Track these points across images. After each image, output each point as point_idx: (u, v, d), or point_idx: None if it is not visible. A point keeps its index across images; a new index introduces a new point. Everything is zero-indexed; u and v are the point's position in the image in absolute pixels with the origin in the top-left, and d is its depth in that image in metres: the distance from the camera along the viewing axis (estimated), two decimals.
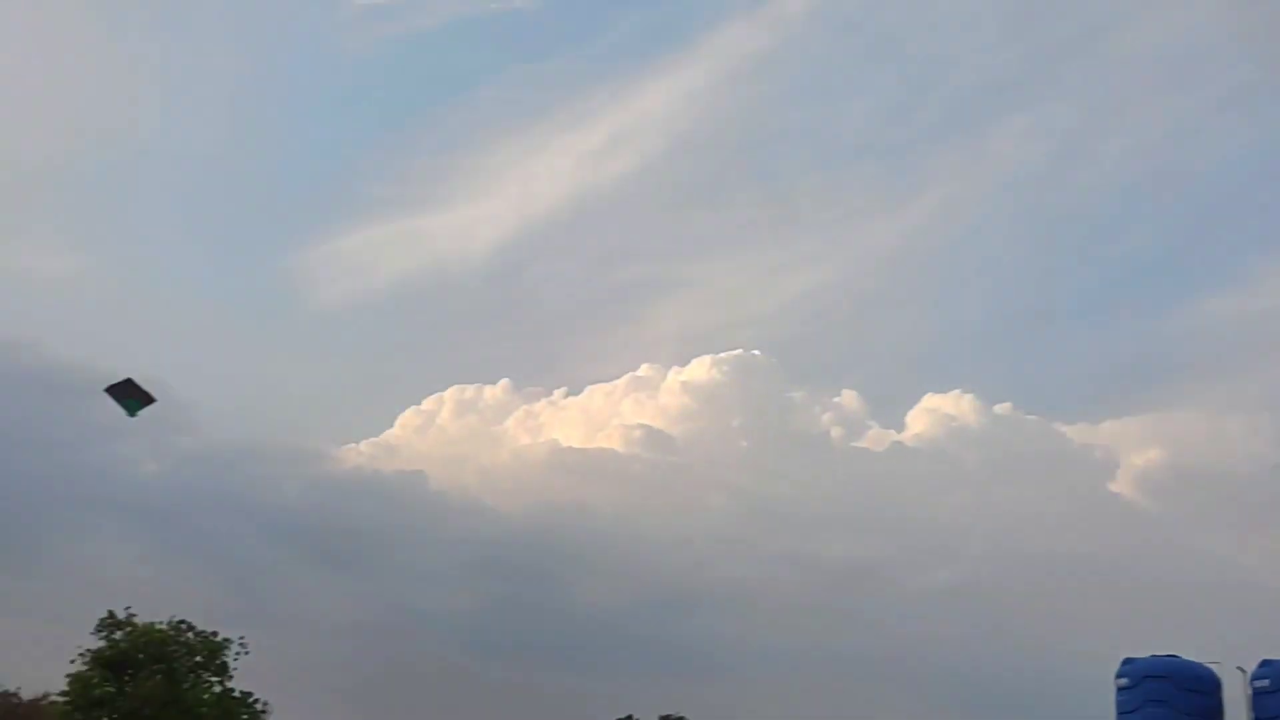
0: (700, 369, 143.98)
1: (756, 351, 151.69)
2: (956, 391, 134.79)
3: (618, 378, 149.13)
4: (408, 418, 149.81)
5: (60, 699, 39.62)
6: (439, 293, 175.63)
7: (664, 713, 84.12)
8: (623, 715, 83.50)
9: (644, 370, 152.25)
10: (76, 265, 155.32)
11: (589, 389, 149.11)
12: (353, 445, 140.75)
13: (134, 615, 38.38)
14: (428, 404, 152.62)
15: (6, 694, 68.57)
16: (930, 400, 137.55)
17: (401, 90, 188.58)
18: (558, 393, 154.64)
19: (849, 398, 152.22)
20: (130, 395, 22.84)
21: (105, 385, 23.07)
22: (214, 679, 38.91)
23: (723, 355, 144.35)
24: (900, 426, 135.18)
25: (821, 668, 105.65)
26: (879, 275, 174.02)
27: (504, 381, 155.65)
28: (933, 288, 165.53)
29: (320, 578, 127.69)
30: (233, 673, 39.15)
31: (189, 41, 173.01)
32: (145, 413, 29.89)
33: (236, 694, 38.83)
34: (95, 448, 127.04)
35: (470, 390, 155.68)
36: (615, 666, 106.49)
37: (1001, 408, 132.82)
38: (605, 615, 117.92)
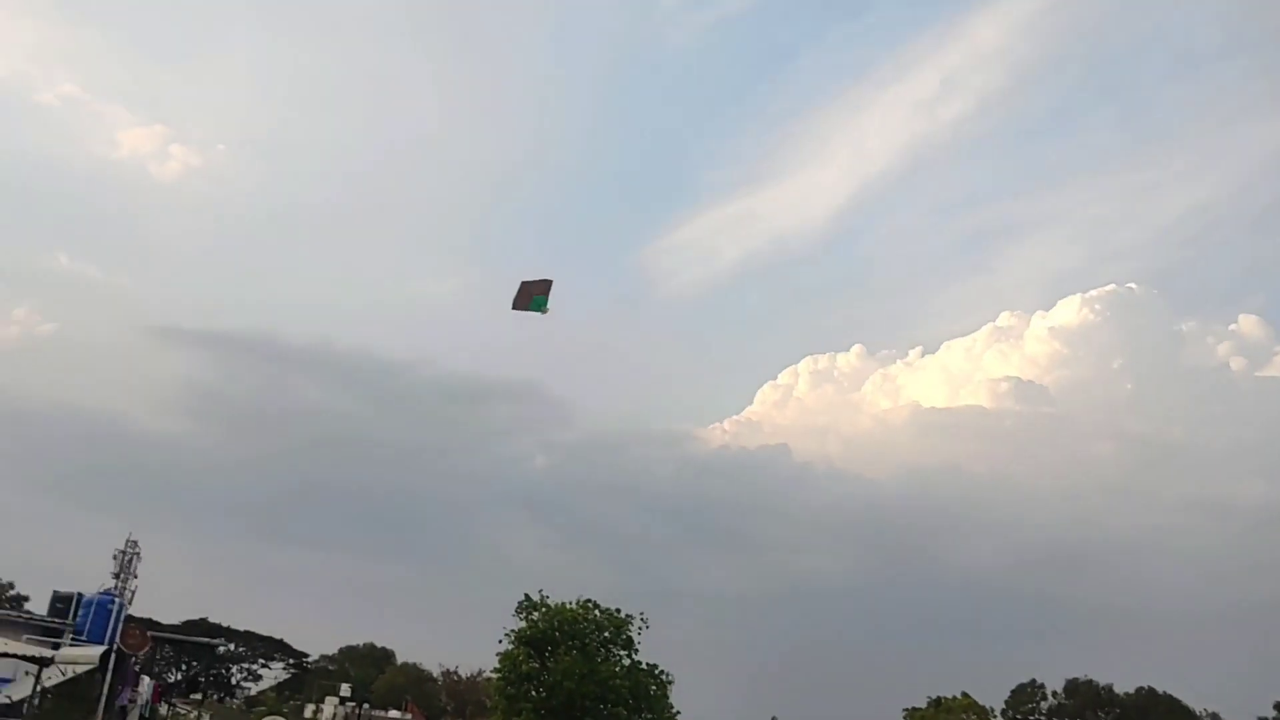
0: (1068, 310, 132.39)
1: (1132, 285, 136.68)
2: None
3: (976, 330, 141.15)
4: (766, 393, 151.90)
5: (494, 675, 43.89)
6: (782, 266, 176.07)
7: (1070, 676, 78.49)
8: (1024, 680, 78.97)
9: (1004, 319, 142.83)
10: (455, 285, 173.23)
11: (946, 345, 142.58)
12: (716, 424, 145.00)
13: (547, 597, 41.23)
14: (784, 377, 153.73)
15: (448, 673, 78.12)
16: None
17: (724, 74, 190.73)
18: (913, 353, 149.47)
19: (1248, 323, 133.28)
20: (535, 293, 23.15)
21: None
22: (621, 653, 40.81)
23: (1093, 293, 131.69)
24: None
25: (1241, 622, 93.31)
26: (1269, 182, 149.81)
27: (856, 347, 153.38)
28: None
29: (702, 553, 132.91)
30: (638, 646, 40.91)
31: (530, 73, 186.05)
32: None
33: (644, 666, 40.53)
34: (491, 448, 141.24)
35: (824, 359, 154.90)
36: (1005, 630, 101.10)
37: None
38: (989, 578, 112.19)
